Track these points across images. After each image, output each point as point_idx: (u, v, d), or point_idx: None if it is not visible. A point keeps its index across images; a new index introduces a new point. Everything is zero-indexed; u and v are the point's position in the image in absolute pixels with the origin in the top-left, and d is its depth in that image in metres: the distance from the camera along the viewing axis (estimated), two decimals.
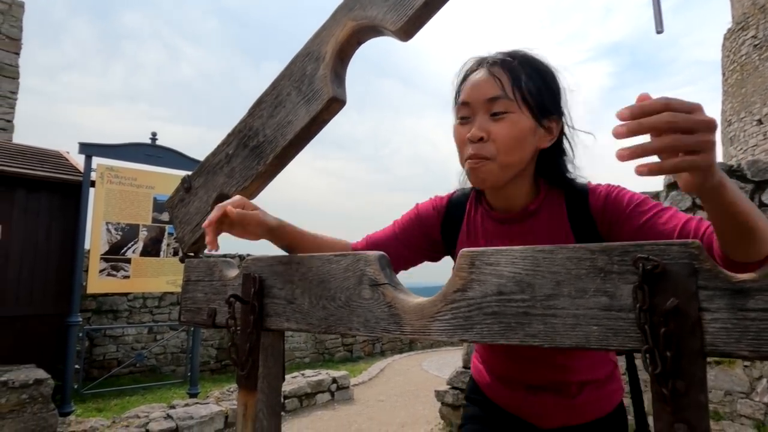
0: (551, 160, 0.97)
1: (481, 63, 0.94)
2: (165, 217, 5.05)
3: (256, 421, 0.95)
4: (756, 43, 10.43)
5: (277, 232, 0.98)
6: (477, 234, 1.03)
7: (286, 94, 0.98)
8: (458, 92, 0.97)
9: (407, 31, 0.82)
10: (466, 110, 0.93)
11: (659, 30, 0.89)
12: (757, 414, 2.62)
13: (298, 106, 0.95)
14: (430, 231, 1.09)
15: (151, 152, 5.03)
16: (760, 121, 10.17)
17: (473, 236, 1.03)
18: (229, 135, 1.06)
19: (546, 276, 0.65)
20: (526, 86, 0.89)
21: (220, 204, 0.89)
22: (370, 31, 0.88)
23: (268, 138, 0.99)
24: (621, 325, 0.60)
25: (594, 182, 0.98)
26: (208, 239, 0.87)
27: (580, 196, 0.94)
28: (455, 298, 0.72)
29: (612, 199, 0.90)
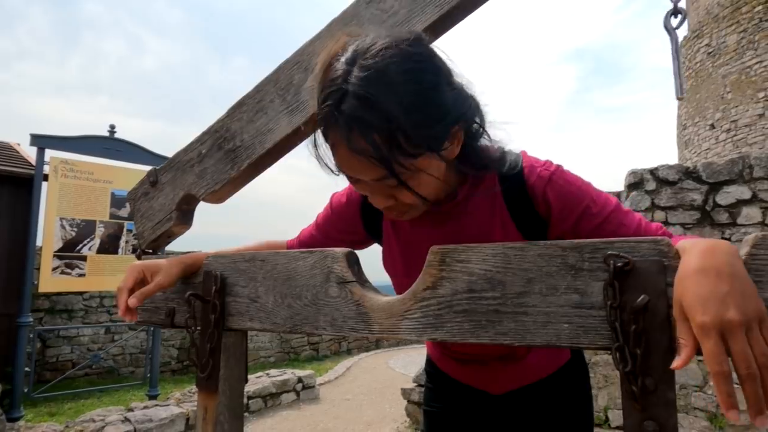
0: (465, 155, 0.79)
1: (333, 125, 0.68)
2: (124, 213, 4.87)
3: (216, 425, 0.91)
4: (710, 51, 10.90)
5: (195, 267, 0.97)
6: (402, 223, 0.95)
7: (269, 100, 0.94)
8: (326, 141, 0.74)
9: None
10: None
11: (679, 96, 0.87)
12: (709, 407, 2.73)
13: (281, 115, 0.92)
14: (351, 224, 1.02)
15: (110, 145, 4.83)
16: (712, 126, 10.64)
17: (398, 225, 0.96)
18: (204, 133, 1.02)
19: (517, 273, 0.64)
20: (407, 145, 0.67)
21: (120, 289, 0.90)
22: None
23: (245, 143, 0.95)
24: (591, 322, 0.59)
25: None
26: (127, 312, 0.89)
27: (513, 175, 0.84)
28: (425, 296, 0.71)
29: (557, 189, 0.81)
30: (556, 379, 1.02)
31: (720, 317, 0.49)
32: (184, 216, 1.07)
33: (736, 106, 10.05)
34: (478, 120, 0.79)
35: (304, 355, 8.84)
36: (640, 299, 0.55)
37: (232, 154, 0.97)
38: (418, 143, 0.68)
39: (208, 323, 0.90)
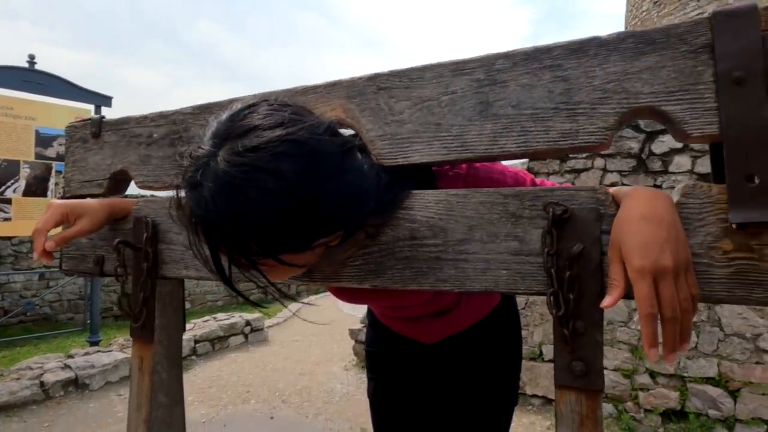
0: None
1: (192, 218, 0.61)
2: (51, 152, 4.52)
3: (153, 374, 0.89)
4: (655, 0, 11.08)
5: (124, 212, 0.93)
6: None
7: None
8: None
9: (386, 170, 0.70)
10: None
11: None
12: (632, 340, 2.98)
13: None
14: None
15: (30, 78, 4.39)
16: None
17: None
18: (162, 115, 0.91)
19: (459, 220, 0.64)
20: (266, 253, 0.59)
21: (37, 230, 0.80)
22: (354, 130, 0.74)
23: None
24: (528, 269, 0.60)
25: None
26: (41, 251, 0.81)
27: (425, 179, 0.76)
28: (367, 243, 0.69)
29: (474, 184, 0.76)
30: (483, 325, 1.09)
31: (656, 263, 0.51)
32: (117, 186, 0.99)
33: None
34: (378, 210, 0.67)
35: (252, 298, 8.84)
36: (575, 247, 0.56)
37: (180, 159, 0.88)
38: (279, 251, 0.60)
39: (141, 272, 0.85)
